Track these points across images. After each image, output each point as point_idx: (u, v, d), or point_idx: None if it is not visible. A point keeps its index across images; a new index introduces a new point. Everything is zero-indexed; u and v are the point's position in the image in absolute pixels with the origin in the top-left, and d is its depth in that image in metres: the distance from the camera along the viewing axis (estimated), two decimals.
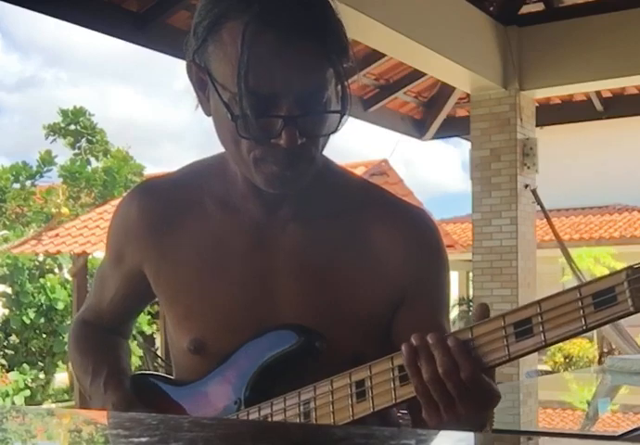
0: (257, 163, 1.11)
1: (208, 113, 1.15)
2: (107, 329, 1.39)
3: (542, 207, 6.73)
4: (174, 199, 1.26)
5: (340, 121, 1.10)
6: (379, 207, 1.24)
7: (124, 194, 1.35)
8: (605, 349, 11.45)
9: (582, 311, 0.92)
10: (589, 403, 3.16)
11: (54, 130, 15.16)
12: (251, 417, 1.14)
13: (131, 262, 1.29)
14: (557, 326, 0.94)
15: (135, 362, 9.81)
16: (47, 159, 14.78)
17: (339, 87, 1.10)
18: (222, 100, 1.07)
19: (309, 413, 1.08)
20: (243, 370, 1.17)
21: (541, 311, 0.94)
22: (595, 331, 13.29)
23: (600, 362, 10.34)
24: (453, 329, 1.22)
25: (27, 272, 10.85)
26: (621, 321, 6.76)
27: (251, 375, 1.16)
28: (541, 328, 0.94)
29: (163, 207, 1.26)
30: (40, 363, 10.89)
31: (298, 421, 1.09)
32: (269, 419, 1.12)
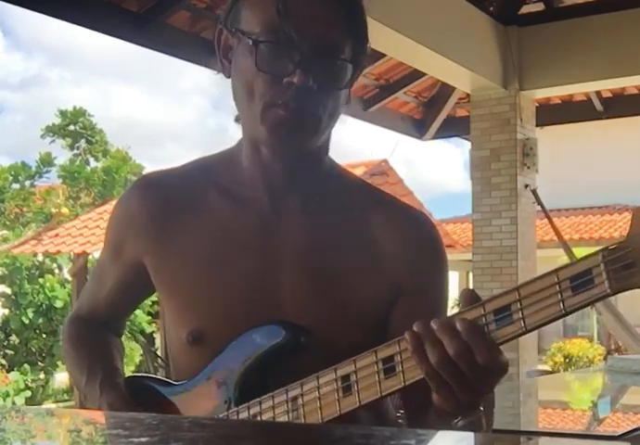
0: (266, 110, 1.14)
1: (228, 75, 1.20)
2: (100, 325, 1.39)
3: (542, 207, 6.73)
4: (177, 191, 1.27)
5: (353, 76, 1.17)
6: (380, 207, 1.26)
7: (133, 182, 1.36)
8: (612, 347, 11.44)
9: (560, 296, 0.91)
10: (589, 403, 3.15)
11: (53, 130, 15.16)
12: (241, 416, 1.14)
13: (131, 254, 1.29)
14: (536, 312, 0.93)
15: (136, 359, 9.82)
16: (47, 160, 14.79)
17: (360, 40, 1.17)
18: (251, 39, 1.13)
19: (297, 410, 1.08)
20: (231, 368, 1.17)
21: (520, 297, 0.94)
22: (596, 331, 13.27)
23: (606, 360, 10.32)
24: None
25: (26, 272, 10.85)
26: (629, 320, 6.78)
27: (239, 374, 1.16)
28: (520, 314, 0.94)
29: (165, 198, 1.27)
30: (40, 363, 10.89)
31: (286, 418, 1.09)
32: (258, 417, 1.12)
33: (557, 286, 0.91)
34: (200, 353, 1.21)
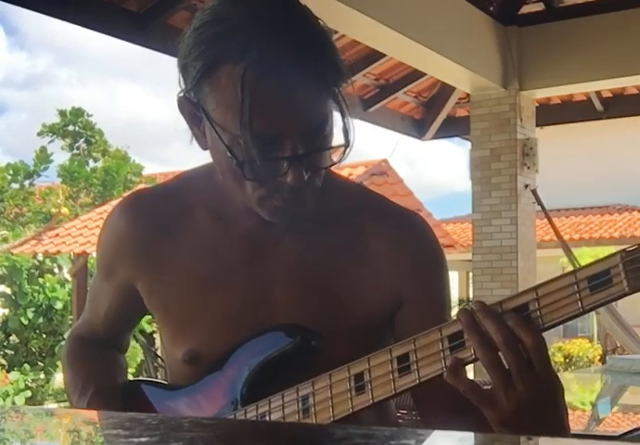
0: (262, 201, 1.11)
1: (204, 147, 1.13)
2: (101, 343, 1.37)
3: (542, 207, 6.74)
4: (165, 212, 1.24)
5: (345, 152, 1.10)
6: (374, 212, 1.24)
7: (124, 194, 1.34)
8: (608, 348, 11.45)
9: (578, 294, 0.94)
10: (589, 403, 3.15)
11: (52, 130, 15.15)
12: (249, 416, 1.14)
13: (122, 277, 1.27)
14: (555, 310, 0.96)
15: (138, 359, 9.83)
16: (43, 158, 14.77)
17: (341, 117, 1.10)
18: (223, 143, 1.07)
19: (308, 409, 1.08)
20: (240, 370, 1.16)
21: (537, 296, 0.96)
22: (595, 330, 13.27)
23: (604, 360, 10.34)
24: None
25: (25, 272, 10.84)
26: (628, 320, 6.77)
27: (248, 375, 1.15)
28: (538, 313, 0.96)
29: (153, 221, 1.24)
30: (40, 363, 10.89)
31: (296, 416, 1.09)
32: (267, 417, 1.12)
33: (576, 286, 0.94)
34: (198, 372, 1.20)
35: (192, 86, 1.09)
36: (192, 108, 1.11)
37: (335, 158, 1.12)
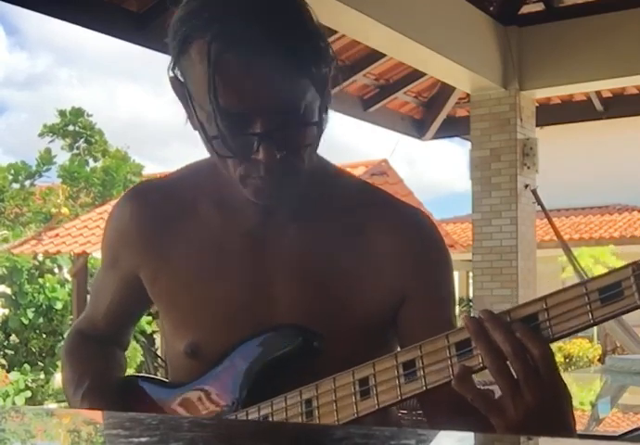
0: (243, 179, 1.10)
1: (195, 127, 1.12)
2: (102, 339, 1.37)
3: (542, 207, 6.74)
4: (169, 203, 1.25)
5: (319, 135, 1.08)
6: (377, 208, 1.23)
7: (123, 194, 1.34)
8: (608, 348, 11.45)
9: (589, 306, 0.93)
10: (589, 403, 3.15)
11: (52, 130, 15.14)
12: (251, 417, 1.13)
13: (126, 267, 1.27)
14: (565, 321, 0.95)
15: (138, 359, 9.83)
16: (47, 158, 14.78)
17: (319, 96, 1.08)
18: (197, 120, 1.07)
19: (311, 412, 1.07)
20: (240, 371, 1.15)
21: (547, 306, 0.95)
22: (595, 330, 13.28)
23: (603, 360, 10.35)
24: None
25: (25, 272, 10.84)
26: (628, 320, 6.77)
27: (248, 376, 1.14)
28: (548, 324, 0.95)
29: (158, 211, 1.24)
30: (40, 363, 10.89)
31: (300, 419, 1.08)
32: (269, 419, 1.11)
33: (586, 297, 0.93)
34: (199, 365, 1.19)
35: (173, 65, 1.10)
36: (180, 86, 1.11)
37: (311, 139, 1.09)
